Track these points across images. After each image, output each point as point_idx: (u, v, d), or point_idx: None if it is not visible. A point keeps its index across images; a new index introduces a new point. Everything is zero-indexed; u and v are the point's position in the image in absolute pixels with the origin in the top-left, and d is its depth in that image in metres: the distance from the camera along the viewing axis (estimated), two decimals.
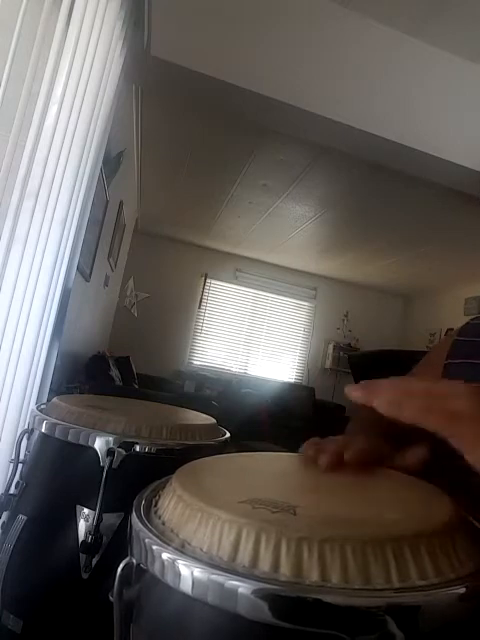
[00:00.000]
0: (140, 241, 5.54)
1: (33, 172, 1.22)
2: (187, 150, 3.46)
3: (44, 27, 1.18)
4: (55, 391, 1.53)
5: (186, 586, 0.30)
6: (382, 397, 0.36)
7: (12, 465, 0.70)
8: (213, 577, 0.30)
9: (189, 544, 0.34)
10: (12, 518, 0.65)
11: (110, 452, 0.60)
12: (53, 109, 1.26)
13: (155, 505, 0.41)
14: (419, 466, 0.49)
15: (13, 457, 0.70)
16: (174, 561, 0.32)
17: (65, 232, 1.36)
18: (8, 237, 1.17)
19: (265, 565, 0.30)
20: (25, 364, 1.27)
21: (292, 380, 6.35)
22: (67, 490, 0.63)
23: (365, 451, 0.47)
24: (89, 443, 0.61)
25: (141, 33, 1.81)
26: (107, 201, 2.82)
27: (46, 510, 0.64)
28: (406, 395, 0.36)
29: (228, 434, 0.75)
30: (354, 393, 0.39)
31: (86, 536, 0.58)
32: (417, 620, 0.28)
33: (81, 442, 0.61)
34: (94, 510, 0.58)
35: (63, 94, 1.28)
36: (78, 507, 0.60)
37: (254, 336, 6.26)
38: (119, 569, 0.35)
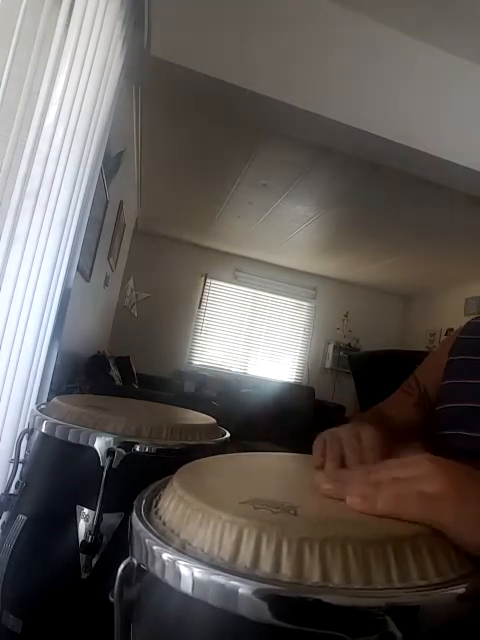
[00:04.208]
0: (140, 241, 5.53)
1: (33, 172, 1.21)
2: (187, 150, 3.45)
3: (44, 27, 1.18)
4: (55, 391, 1.53)
5: (187, 586, 0.30)
6: (354, 493, 0.36)
7: (12, 465, 0.70)
8: (214, 577, 0.30)
9: (190, 544, 0.34)
10: (12, 518, 0.64)
11: (110, 452, 0.60)
12: (53, 109, 1.25)
13: (156, 505, 0.41)
14: None
15: (13, 457, 0.70)
16: (175, 561, 0.32)
17: (65, 232, 1.36)
18: (8, 237, 1.17)
19: (266, 565, 0.30)
20: (25, 364, 1.27)
21: (292, 380, 6.35)
22: (67, 490, 0.63)
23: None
24: (89, 443, 0.61)
25: (141, 33, 1.81)
26: (107, 201, 2.82)
27: (46, 510, 0.64)
28: (377, 487, 0.36)
29: (228, 434, 0.75)
30: (325, 488, 0.39)
31: (86, 536, 0.58)
32: (417, 620, 0.28)
33: (81, 442, 0.61)
34: (94, 510, 0.58)
35: (63, 94, 1.28)
36: (78, 507, 0.60)
37: (254, 336, 6.26)
38: (120, 569, 0.35)
